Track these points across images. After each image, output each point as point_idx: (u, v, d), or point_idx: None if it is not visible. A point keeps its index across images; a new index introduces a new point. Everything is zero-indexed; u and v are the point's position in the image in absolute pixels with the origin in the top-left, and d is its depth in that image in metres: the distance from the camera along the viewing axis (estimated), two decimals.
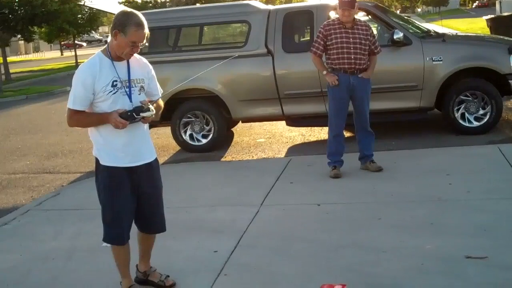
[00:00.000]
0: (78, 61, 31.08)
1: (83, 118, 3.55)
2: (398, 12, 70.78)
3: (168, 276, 4.51)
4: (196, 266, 4.82)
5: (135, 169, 3.68)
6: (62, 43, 53.97)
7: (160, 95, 3.79)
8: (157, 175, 3.90)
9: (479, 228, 5.12)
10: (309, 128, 9.33)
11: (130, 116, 3.44)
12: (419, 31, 8.09)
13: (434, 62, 7.24)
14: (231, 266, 4.79)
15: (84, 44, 70.65)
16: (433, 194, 5.97)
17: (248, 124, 9.58)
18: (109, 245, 4.22)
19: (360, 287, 4.21)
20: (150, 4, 37.44)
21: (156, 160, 3.99)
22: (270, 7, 8.13)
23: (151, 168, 3.81)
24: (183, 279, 4.56)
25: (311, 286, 4.07)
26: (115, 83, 3.47)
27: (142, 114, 3.47)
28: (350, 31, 5.79)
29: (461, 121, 7.62)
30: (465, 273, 4.36)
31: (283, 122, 8.57)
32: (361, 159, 6.50)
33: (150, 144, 3.82)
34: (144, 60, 3.73)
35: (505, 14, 23.73)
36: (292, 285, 4.37)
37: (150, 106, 3.54)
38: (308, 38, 8.18)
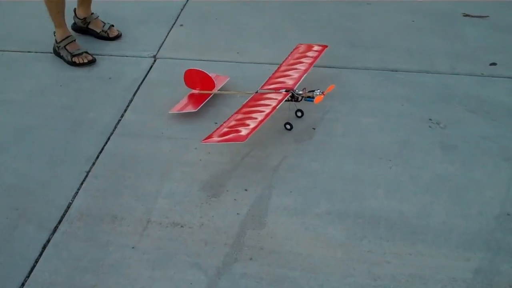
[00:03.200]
0: None
1: None
2: None
3: (113, 25, 3.75)
4: (147, 16, 4.05)
5: None
6: None
7: None
8: None
9: None
10: None
11: None
12: None
13: None
14: (187, 17, 4.04)
15: None
16: None
17: None
18: None
19: (343, 45, 3.58)
20: None
21: None
22: None
23: None
24: (131, 31, 3.82)
25: (286, 41, 3.42)
26: None
27: None
28: None
29: None
30: (461, 33, 3.75)
31: None
32: None
33: None
34: None
35: None
36: (264, 38, 3.71)
37: None
38: None
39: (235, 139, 2.56)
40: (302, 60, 3.14)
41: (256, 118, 2.67)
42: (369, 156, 2.73)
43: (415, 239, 2.30)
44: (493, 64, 3.41)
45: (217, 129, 2.68)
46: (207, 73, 3.09)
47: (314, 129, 2.91)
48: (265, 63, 3.39)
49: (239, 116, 2.75)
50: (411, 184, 2.56)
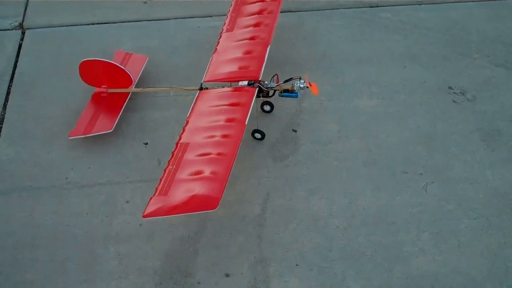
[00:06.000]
0: None
1: None
2: None
3: None
4: None
5: None
6: None
7: None
8: None
9: None
10: None
11: None
12: None
13: None
14: None
15: None
16: None
17: None
18: None
19: None
20: None
21: None
22: None
23: None
24: None
25: None
26: None
27: None
28: None
29: None
30: None
31: None
32: None
33: None
34: None
35: None
36: None
37: None
38: None
39: (203, 208, 1.59)
40: (257, 19, 2.09)
41: (222, 154, 1.68)
42: (388, 171, 1.85)
43: None
44: None
45: (164, 185, 1.67)
46: (117, 64, 2.00)
47: (295, 131, 1.97)
48: (191, 17, 2.34)
49: (191, 154, 1.72)
50: (465, 217, 1.73)
